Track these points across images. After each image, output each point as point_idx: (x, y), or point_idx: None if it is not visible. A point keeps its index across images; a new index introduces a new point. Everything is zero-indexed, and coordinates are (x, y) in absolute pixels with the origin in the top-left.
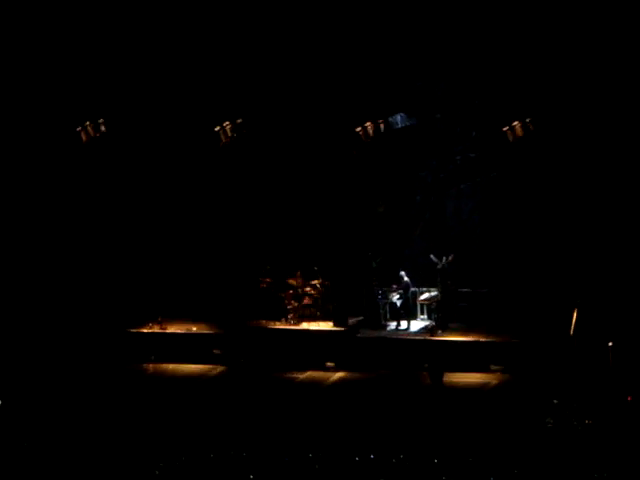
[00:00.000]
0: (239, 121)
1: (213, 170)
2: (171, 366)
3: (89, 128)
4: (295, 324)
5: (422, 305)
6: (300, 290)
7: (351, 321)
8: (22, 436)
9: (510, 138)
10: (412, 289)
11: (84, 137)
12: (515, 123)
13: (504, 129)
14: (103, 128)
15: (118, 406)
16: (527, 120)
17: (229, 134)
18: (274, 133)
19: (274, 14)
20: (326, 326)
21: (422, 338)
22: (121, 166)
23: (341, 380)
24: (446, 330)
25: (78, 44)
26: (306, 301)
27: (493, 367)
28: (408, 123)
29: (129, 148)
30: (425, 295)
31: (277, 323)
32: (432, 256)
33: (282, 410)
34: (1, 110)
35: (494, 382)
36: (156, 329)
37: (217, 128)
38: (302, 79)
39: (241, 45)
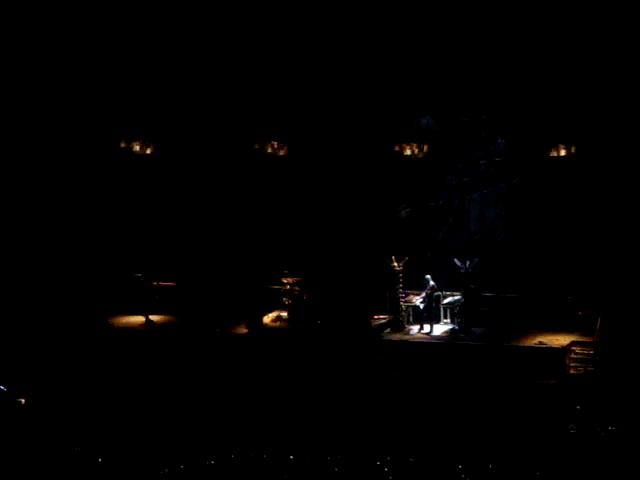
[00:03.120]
0: None
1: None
2: None
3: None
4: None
5: (445, 309)
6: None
7: (374, 324)
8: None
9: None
10: (436, 293)
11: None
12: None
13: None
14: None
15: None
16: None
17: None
18: (300, 137)
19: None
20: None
21: (444, 342)
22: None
23: (361, 383)
24: (469, 334)
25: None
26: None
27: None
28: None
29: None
30: (448, 299)
31: (300, 324)
32: (456, 260)
33: (298, 412)
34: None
35: (517, 387)
36: None
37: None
38: (325, 81)
39: (249, 43)
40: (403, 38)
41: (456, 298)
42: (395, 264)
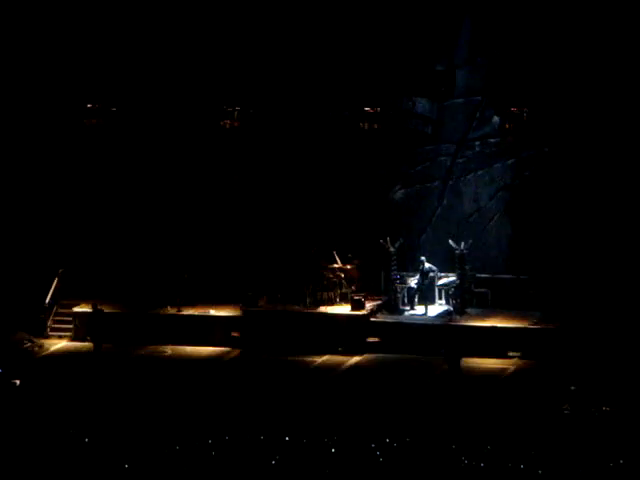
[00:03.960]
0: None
1: (222, 159)
2: (188, 349)
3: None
4: (313, 308)
5: (440, 290)
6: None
7: (369, 305)
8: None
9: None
10: (431, 274)
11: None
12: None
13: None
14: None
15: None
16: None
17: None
18: (288, 117)
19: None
20: (344, 310)
21: (439, 323)
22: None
23: (356, 365)
24: (464, 315)
25: (85, 34)
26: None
27: (511, 353)
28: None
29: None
30: (443, 280)
31: (295, 306)
32: (450, 241)
33: (296, 394)
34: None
35: (511, 368)
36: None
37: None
38: (320, 61)
39: (253, 27)
40: (398, 19)
41: (451, 279)
42: (389, 246)
